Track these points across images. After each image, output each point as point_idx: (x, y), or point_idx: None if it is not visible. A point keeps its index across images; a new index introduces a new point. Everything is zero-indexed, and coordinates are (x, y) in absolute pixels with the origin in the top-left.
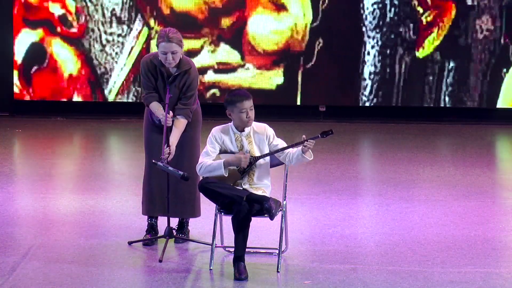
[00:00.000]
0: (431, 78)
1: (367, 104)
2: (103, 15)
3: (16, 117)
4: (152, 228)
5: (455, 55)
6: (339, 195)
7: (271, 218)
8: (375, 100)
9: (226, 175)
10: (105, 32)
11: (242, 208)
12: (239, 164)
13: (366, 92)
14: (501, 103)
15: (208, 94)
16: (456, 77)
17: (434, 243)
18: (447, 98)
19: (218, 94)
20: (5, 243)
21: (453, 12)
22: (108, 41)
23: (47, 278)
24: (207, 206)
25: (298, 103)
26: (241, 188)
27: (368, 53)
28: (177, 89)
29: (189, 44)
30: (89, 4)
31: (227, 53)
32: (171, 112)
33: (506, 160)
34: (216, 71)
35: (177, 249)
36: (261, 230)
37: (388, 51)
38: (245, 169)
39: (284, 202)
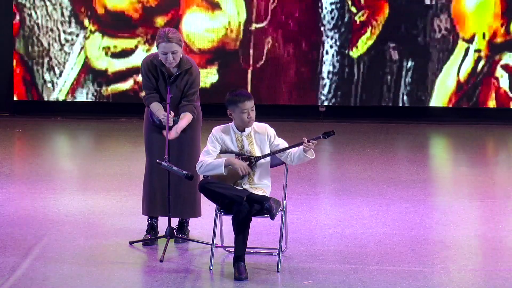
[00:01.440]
0: (389, 77)
1: (325, 103)
2: (62, 14)
3: (16, 117)
4: (152, 228)
5: (414, 54)
6: (339, 195)
7: (272, 218)
8: (333, 100)
9: (226, 174)
10: (65, 32)
11: (242, 208)
12: (238, 168)
13: (325, 92)
14: (434, 102)
15: (143, 94)
16: (414, 76)
17: (434, 243)
18: (405, 97)
19: None
20: (5, 243)
21: (386, 12)
22: (67, 40)
23: (47, 278)
24: (207, 206)
25: None
26: (241, 188)
27: (327, 53)
28: (178, 89)
29: (124, 43)
30: (47, 3)
31: None
32: (172, 112)
33: (502, 160)
34: None
35: (177, 249)
36: (261, 230)
37: (346, 51)
38: None
39: (284, 202)
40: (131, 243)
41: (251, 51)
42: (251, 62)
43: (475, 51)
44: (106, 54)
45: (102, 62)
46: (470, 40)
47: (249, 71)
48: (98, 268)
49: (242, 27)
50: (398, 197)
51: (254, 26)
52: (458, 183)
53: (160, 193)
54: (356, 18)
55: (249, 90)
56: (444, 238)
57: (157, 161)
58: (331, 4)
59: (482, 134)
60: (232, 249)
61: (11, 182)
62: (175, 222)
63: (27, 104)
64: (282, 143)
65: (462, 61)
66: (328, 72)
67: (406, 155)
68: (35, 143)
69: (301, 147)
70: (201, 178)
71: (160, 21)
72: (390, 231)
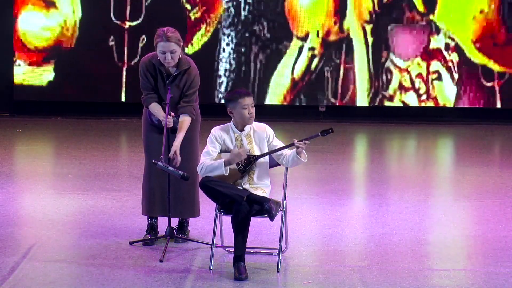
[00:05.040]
0: None
1: (222, 101)
2: None
3: (16, 117)
4: (152, 228)
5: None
6: (339, 195)
7: (271, 219)
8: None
9: (227, 174)
10: None
11: (242, 208)
12: (237, 159)
13: (222, 89)
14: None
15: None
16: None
17: (434, 243)
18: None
19: None
20: (5, 243)
21: (220, 9)
22: None
23: (47, 278)
24: (207, 206)
25: (123, 100)
26: (241, 188)
27: (224, 50)
28: (178, 89)
29: None
30: None
31: None
32: (172, 113)
33: (500, 159)
34: None
35: (177, 249)
36: (261, 230)
37: (243, 49)
38: (245, 169)
39: (284, 202)
40: (131, 243)
41: (125, 49)
42: (125, 60)
43: (309, 49)
44: None
45: None
46: (304, 38)
47: (124, 69)
48: (98, 268)
49: (78, 25)
50: (398, 197)
51: (128, 24)
52: (458, 183)
53: (159, 193)
54: (191, 15)
55: (124, 89)
56: (444, 238)
57: (153, 161)
58: (227, 2)
59: (486, 135)
60: (232, 249)
61: (11, 182)
62: (175, 222)
63: (27, 104)
64: (279, 145)
65: (296, 59)
66: (225, 70)
67: (406, 155)
68: (35, 143)
69: (294, 150)
70: (201, 177)
71: None
72: (390, 231)
